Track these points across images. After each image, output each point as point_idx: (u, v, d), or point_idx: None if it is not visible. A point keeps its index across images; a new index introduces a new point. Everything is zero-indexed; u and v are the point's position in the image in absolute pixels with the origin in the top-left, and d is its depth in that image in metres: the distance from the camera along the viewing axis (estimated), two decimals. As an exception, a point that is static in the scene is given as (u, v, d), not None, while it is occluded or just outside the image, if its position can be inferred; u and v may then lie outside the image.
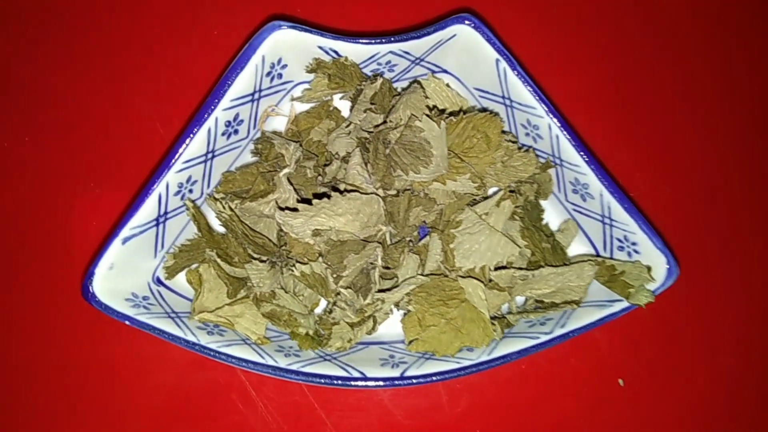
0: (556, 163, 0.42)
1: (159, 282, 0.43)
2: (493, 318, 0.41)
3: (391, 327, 0.44)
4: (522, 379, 0.49)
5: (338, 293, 0.39)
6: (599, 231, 0.43)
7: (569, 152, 0.40)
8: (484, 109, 0.42)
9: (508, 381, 0.49)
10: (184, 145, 0.39)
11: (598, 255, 0.45)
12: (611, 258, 0.43)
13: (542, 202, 0.45)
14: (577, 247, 0.46)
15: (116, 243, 0.38)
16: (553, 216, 0.45)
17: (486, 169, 0.40)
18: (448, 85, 0.44)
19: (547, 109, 0.40)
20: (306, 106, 0.44)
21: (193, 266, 0.43)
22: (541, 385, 0.49)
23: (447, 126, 0.39)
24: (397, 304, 0.41)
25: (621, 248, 0.42)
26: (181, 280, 0.43)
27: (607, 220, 0.42)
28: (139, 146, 0.49)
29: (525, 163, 0.41)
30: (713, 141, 0.54)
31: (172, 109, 0.49)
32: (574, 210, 0.44)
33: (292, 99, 0.43)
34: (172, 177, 0.39)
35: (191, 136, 0.39)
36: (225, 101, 0.39)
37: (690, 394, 0.49)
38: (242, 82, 0.39)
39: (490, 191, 0.43)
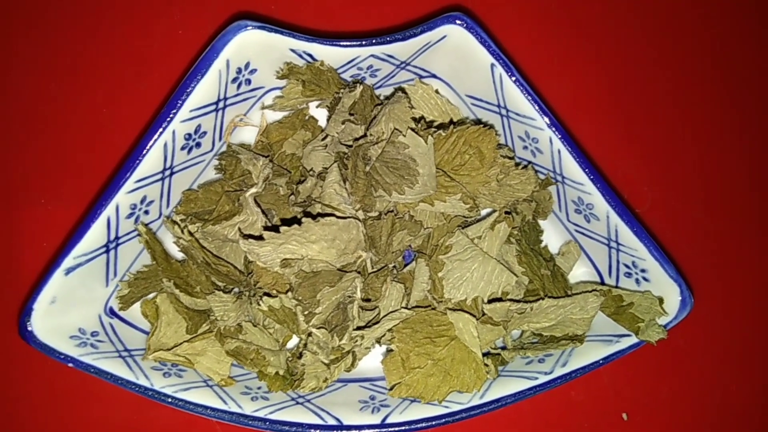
0: (557, 180, 0.39)
1: (112, 313, 0.39)
2: (485, 354, 0.37)
3: (374, 360, 0.40)
4: (517, 413, 0.45)
5: (309, 334, 0.34)
6: (604, 255, 0.40)
7: (572, 169, 0.37)
8: (477, 121, 0.38)
9: (503, 414, 0.44)
10: (135, 164, 0.35)
11: (602, 281, 0.42)
12: (617, 286, 0.40)
13: (541, 222, 0.41)
14: (578, 271, 0.42)
15: (58, 274, 0.34)
16: (552, 237, 0.42)
17: (479, 188, 0.36)
18: (437, 92, 0.40)
19: (548, 120, 0.36)
20: (278, 115, 0.41)
21: (151, 296, 0.39)
22: (539, 421, 0.45)
23: (435, 141, 0.35)
24: (378, 340, 0.37)
25: (628, 275, 0.39)
26: (138, 311, 0.39)
27: (613, 244, 0.39)
28: (95, 156, 0.44)
29: (523, 181, 0.37)
30: (729, 152, 0.49)
31: (132, 115, 0.44)
32: (577, 231, 0.41)
33: (263, 107, 0.40)
34: (122, 198, 0.35)
35: (143, 152, 0.35)
36: (183, 112, 0.35)
37: (699, 430, 0.46)
38: (204, 90, 0.35)
39: (483, 212, 0.40)
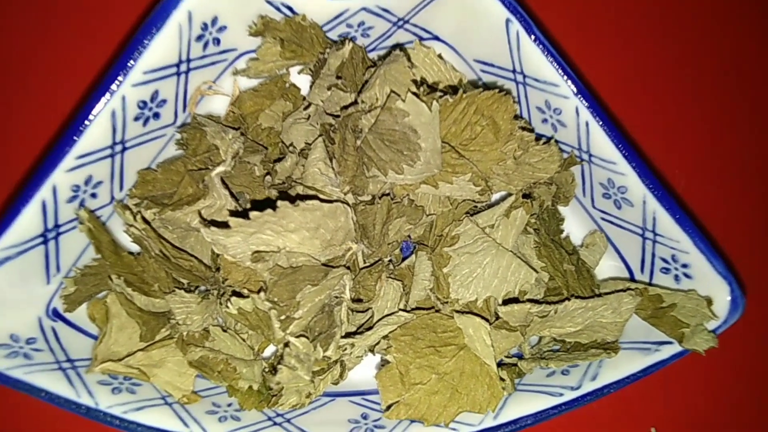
0: (583, 159, 0.35)
1: (56, 315, 0.35)
2: (499, 364, 0.32)
3: (367, 369, 0.37)
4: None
5: (287, 344, 0.28)
6: (637, 247, 0.36)
7: (603, 145, 0.33)
8: (489, 87, 0.32)
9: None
10: (75, 136, 0.30)
11: (632, 278, 0.37)
12: (650, 283, 0.36)
13: (561, 209, 0.38)
14: (602, 266, 0.38)
15: (-19, 269, 0.30)
16: (574, 226, 0.38)
17: (492, 167, 0.32)
18: (440, 57, 0.36)
19: (574, 87, 0.32)
20: (253, 83, 0.37)
21: (103, 295, 0.35)
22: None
23: (441, 108, 0.29)
24: (372, 349, 0.32)
25: (666, 270, 0.35)
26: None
27: (648, 234, 0.35)
28: (28, 129, 0.39)
29: (545, 159, 0.32)
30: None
31: (73, 78, 0.39)
32: (604, 219, 0.37)
33: (235, 73, 0.36)
34: (61, 178, 0.31)
35: (85, 122, 0.31)
36: (135, 74, 0.31)
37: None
38: (161, 49, 0.31)
39: (495, 196, 0.36)
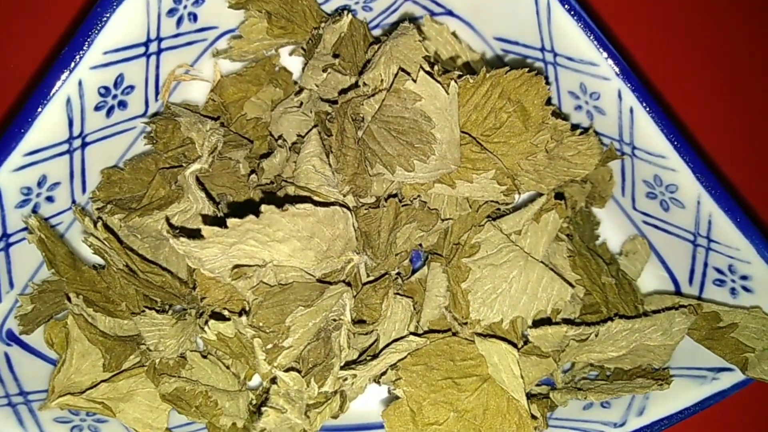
0: (624, 153, 0.30)
1: (11, 338, 0.31)
2: (528, 396, 0.27)
3: (371, 399, 0.33)
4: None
5: (274, 379, 0.23)
6: (686, 255, 0.32)
7: (650, 136, 0.29)
8: (514, 67, 0.27)
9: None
10: (21, 129, 0.27)
11: (678, 290, 0.33)
12: (700, 297, 0.32)
13: (596, 211, 0.33)
14: (643, 277, 0.34)
15: None
16: (609, 231, 0.34)
17: (520, 162, 0.27)
18: (454, 35, 0.32)
19: (617, 67, 0.28)
20: (237, 66, 0.33)
21: (64, 315, 0.31)
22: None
23: (460, 90, 0.24)
24: (377, 379, 0.27)
25: (720, 283, 0.31)
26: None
27: (701, 240, 0.31)
28: None
29: (582, 152, 0.28)
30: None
31: (23, 58, 0.35)
32: (646, 223, 0.33)
33: (215, 54, 0.32)
34: (7, 179, 0.27)
35: (34, 112, 0.27)
36: (93, 54, 0.27)
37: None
38: (123, 24, 0.27)
39: (522, 197, 0.31)
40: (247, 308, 0.25)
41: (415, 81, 0.24)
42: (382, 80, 0.26)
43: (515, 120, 0.26)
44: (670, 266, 0.33)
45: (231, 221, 0.23)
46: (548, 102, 0.27)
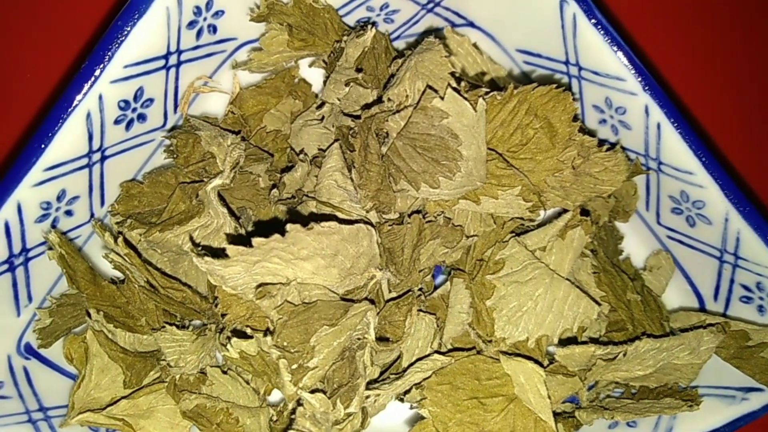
0: (650, 168, 0.30)
1: (29, 352, 0.31)
2: (554, 415, 0.27)
3: (394, 414, 0.33)
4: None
5: (299, 401, 0.23)
6: (711, 271, 0.32)
7: (678, 151, 0.28)
8: (540, 82, 0.27)
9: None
10: (41, 144, 0.27)
11: (702, 307, 0.33)
12: (725, 314, 0.31)
13: (619, 226, 0.33)
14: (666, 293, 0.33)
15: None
16: (632, 246, 0.34)
17: (547, 178, 0.27)
18: (475, 46, 0.32)
19: (643, 81, 0.28)
20: (257, 78, 0.33)
21: (82, 328, 0.31)
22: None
23: (487, 107, 0.24)
24: (401, 397, 0.27)
25: (747, 300, 0.31)
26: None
27: (728, 257, 0.30)
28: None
29: (609, 168, 0.27)
30: None
31: (42, 73, 0.35)
32: (671, 238, 0.33)
33: (234, 66, 0.32)
34: (26, 194, 0.27)
35: (54, 127, 0.27)
36: (114, 68, 0.27)
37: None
38: (144, 38, 0.27)
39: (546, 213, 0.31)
40: (271, 327, 0.25)
41: (442, 98, 0.24)
42: (407, 96, 0.25)
43: (542, 136, 0.26)
44: (694, 281, 0.32)
45: (256, 240, 0.23)
46: (575, 118, 0.27)
